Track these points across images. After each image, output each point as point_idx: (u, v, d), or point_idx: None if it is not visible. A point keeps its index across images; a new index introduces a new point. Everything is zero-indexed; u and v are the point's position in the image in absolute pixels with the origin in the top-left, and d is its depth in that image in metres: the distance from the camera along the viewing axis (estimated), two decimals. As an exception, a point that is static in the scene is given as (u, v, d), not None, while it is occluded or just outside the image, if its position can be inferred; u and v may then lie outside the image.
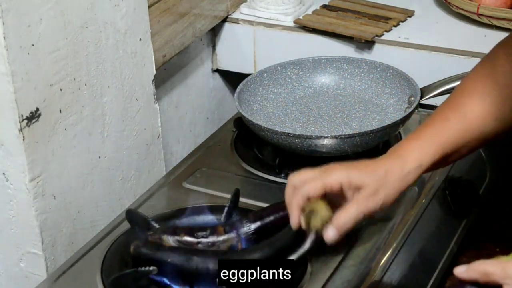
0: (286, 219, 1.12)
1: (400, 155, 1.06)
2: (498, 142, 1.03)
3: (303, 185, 1.04)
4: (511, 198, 1.35)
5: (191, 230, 1.13)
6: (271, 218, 1.14)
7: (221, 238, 1.12)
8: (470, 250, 1.35)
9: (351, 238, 1.14)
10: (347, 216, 1.03)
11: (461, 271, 0.81)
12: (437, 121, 1.09)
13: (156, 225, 1.15)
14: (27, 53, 1.12)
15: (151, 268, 1.06)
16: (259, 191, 1.31)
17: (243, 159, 1.40)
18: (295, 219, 1.05)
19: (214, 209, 1.23)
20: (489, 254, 1.03)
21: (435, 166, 1.07)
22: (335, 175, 1.04)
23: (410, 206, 1.27)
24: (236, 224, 1.13)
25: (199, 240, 1.12)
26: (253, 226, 1.13)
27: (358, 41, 1.58)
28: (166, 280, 1.08)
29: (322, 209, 1.05)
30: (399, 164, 1.05)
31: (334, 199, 1.07)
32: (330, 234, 1.03)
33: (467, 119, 1.08)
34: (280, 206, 1.14)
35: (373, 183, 1.03)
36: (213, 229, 1.13)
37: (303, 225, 1.05)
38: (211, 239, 1.12)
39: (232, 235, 1.13)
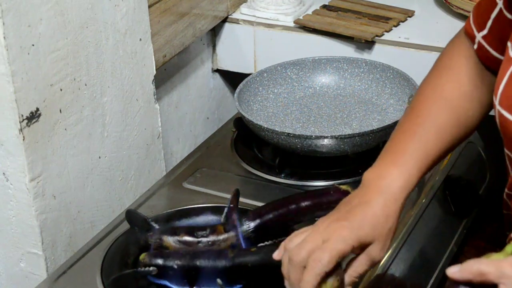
0: (285, 216, 1.12)
1: (388, 188, 1.00)
2: (498, 142, 1.03)
3: (316, 261, 0.93)
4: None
5: (191, 230, 1.13)
6: (270, 216, 1.14)
7: (221, 237, 1.12)
8: (470, 250, 1.35)
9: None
10: (359, 272, 0.97)
11: (454, 271, 0.79)
12: (407, 138, 1.05)
13: (156, 226, 1.14)
14: (27, 53, 1.12)
15: (151, 268, 1.06)
16: (259, 191, 1.31)
17: (243, 159, 1.40)
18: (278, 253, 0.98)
19: (214, 210, 1.24)
20: (489, 254, 1.03)
21: (420, 179, 1.05)
22: (345, 242, 0.94)
23: (410, 206, 1.27)
24: (236, 223, 1.13)
25: (199, 239, 1.12)
26: (252, 224, 1.13)
27: (358, 41, 1.58)
28: (167, 283, 1.08)
29: (331, 282, 0.96)
30: (393, 201, 0.99)
31: None
32: None
33: (435, 127, 1.06)
34: (279, 203, 1.15)
35: (381, 236, 0.97)
36: (213, 228, 1.13)
37: None
38: (211, 238, 1.12)
39: (232, 233, 1.13)
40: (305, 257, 0.94)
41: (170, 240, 1.11)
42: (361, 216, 0.97)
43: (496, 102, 0.96)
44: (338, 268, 0.96)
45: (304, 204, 1.14)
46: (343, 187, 1.14)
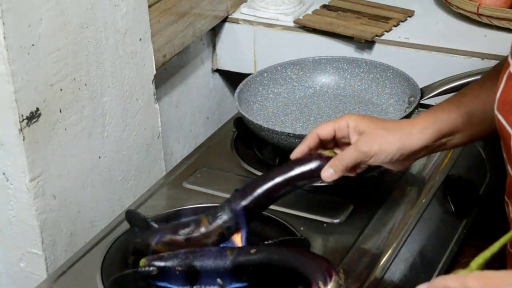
0: (274, 190, 1.12)
1: (409, 122, 1.12)
2: (498, 142, 1.03)
3: (315, 128, 1.13)
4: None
5: (176, 228, 1.12)
6: (255, 195, 1.11)
7: (207, 230, 1.11)
8: (470, 250, 1.35)
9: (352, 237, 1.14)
10: (343, 157, 1.09)
11: None
12: (448, 103, 1.13)
13: (156, 225, 1.14)
14: (27, 53, 1.12)
15: (151, 268, 1.06)
16: (259, 191, 1.31)
17: (243, 159, 1.40)
18: (298, 151, 1.13)
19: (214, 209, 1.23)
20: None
21: (437, 141, 1.10)
22: (346, 118, 1.11)
23: (410, 206, 1.27)
24: (219, 212, 1.11)
25: (187, 237, 1.11)
26: (243, 203, 1.11)
27: (358, 41, 1.58)
28: (168, 285, 1.08)
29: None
30: (405, 124, 1.11)
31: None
32: (327, 172, 1.10)
33: (475, 106, 1.11)
34: (264, 179, 1.13)
35: (373, 130, 1.09)
36: (197, 223, 1.12)
37: None
38: (197, 233, 1.11)
39: (218, 223, 1.11)
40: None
41: (159, 245, 1.11)
42: (374, 118, 1.14)
43: (495, 108, 0.97)
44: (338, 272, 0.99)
45: (289, 175, 1.13)
46: (326, 152, 1.13)
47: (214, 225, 1.11)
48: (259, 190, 1.12)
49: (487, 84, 1.11)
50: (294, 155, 1.13)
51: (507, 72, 0.96)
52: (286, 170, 1.13)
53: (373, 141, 1.09)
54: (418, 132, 1.09)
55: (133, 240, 1.15)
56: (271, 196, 1.12)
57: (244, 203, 1.11)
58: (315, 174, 1.12)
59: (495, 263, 0.85)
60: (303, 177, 1.12)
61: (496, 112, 0.97)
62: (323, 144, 1.14)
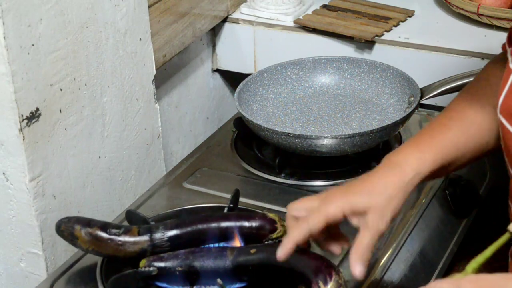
0: (202, 233, 1.11)
1: (398, 164, 1.01)
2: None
3: (304, 220, 0.98)
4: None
5: (106, 226, 1.12)
6: (188, 229, 1.12)
7: (132, 239, 1.10)
8: (470, 250, 1.35)
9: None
10: (363, 246, 0.96)
11: None
12: (437, 130, 1.05)
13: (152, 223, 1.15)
14: (27, 53, 1.12)
15: (151, 268, 1.06)
16: (259, 191, 1.31)
17: (243, 159, 1.40)
18: (285, 251, 0.99)
19: (214, 210, 1.24)
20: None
21: (433, 175, 1.03)
22: (335, 205, 0.98)
23: (410, 206, 1.27)
24: (152, 229, 1.11)
25: (111, 237, 1.10)
26: (168, 234, 1.11)
27: (358, 41, 1.58)
28: (167, 285, 1.08)
29: None
30: (398, 175, 1.00)
31: (334, 231, 1.03)
32: (358, 269, 0.96)
33: (467, 128, 1.05)
34: (201, 218, 1.13)
35: (377, 204, 0.97)
36: (127, 229, 1.11)
37: None
38: (122, 238, 1.10)
39: (145, 238, 1.11)
40: (298, 212, 1.01)
41: (82, 231, 1.10)
42: (360, 183, 1.00)
43: (498, 110, 0.97)
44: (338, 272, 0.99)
45: (225, 224, 1.12)
46: (271, 215, 1.12)
47: (138, 238, 1.11)
48: (193, 228, 1.12)
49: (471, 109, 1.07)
50: (281, 257, 1.00)
51: (511, 77, 0.96)
52: (227, 220, 1.12)
53: (384, 214, 0.97)
54: (412, 181, 1.00)
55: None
56: (201, 238, 1.11)
57: (172, 233, 1.11)
58: (254, 231, 1.10)
59: (496, 263, 0.86)
60: (242, 232, 1.11)
61: (499, 116, 0.97)
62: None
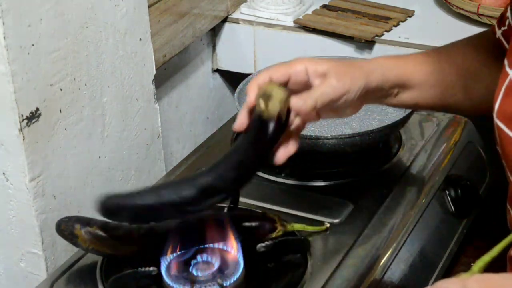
0: (202, 233, 1.10)
1: (370, 61, 1.09)
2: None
3: (266, 70, 1.02)
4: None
5: (106, 225, 1.12)
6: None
7: (132, 239, 1.11)
8: (470, 250, 1.35)
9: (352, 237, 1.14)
10: (314, 93, 0.99)
11: None
12: (409, 57, 1.12)
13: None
14: (27, 53, 1.12)
15: (151, 268, 1.06)
16: (259, 191, 1.31)
17: (243, 159, 1.40)
18: (251, 97, 0.99)
19: (214, 210, 1.23)
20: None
21: (392, 89, 1.08)
22: (300, 62, 1.02)
23: (410, 206, 1.27)
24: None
25: (111, 236, 1.11)
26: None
27: (358, 41, 1.58)
28: (167, 280, 1.08)
29: (279, 91, 0.97)
30: (363, 62, 1.06)
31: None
32: (296, 121, 0.99)
33: (435, 69, 1.11)
34: (200, 218, 1.12)
35: (339, 69, 1.02)
36: (127, 228, 1.11)
37: (261, 107, 0.97)
38: (122, 237, 1.11)
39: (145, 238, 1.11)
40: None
41: (82, 230, 1.10)
42: (328, 59, 1.06)
43: (494, 114, 0.98)
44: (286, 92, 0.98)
45: (224, 224, 1.11)
46: (271, 215, 1.14)
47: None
48: (192, 227, 1.10)
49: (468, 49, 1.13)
50: (250, 104, 0.99)
51: (507, 81, 0.96)
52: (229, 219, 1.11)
53: (344, 76, 1.01)
54: (378, 72, 1.06)
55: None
56: (200, 237, 1.09)
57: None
58: (253, 231, 1.10)
59: (495, 267, 0.86)
60: (240, 231, 1.11)
61: (496, 119, 0.97)
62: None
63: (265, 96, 0.97)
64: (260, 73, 1.03)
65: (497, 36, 1.12)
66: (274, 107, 0.96)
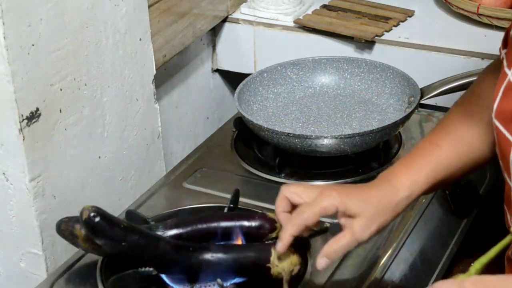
0: (203, 233, 1.12)
1: (392, 184, 1.05)
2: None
3: (299, 214, 1.01)
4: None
5: None
6: (188, 229, 1.12)
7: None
8: (470, 250, 1.35)
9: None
10: (339, 245, 1.00)
11: None
12: (428, 149, 1.09)
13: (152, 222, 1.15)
14: (27, 53, 1.12)
15: (151, 269, 1.06)
16: (259, 191, 1.31)
17: (243, 159, 1.40)
18: (284, 244, 1.02)
19: (214, 210, 1.24)
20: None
21: (425, 193, 1.08)
22: (331, 201, 1.01)
23: (410, 206, 1.27)
24: (152, 229, 1.12)
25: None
26: (168, 233, 1.12)
27: (358, 41, 1.58)
28: (166, 279, 1.08)
29: (291, 256, 1.07)
30: (391, 194, 1.04)
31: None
32: (322, 263, 1.00)
33: (458, 145, 1.08)
34: (201, 218, 1.14)
35: (368, 213, 1.01)
36: None
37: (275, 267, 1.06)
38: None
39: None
40: (291, 194, 1.04)
41: (82, 231, 1.10)
42: (356, 189, 1.04)
43: (493, 115, 0.98)
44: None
45: (224, 224, 1.13)
46: (271, 215, 1.13)
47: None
48: (193, 227, 1.12)
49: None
50: (282, 249, 1.03)
51: (505, 82, 0.96)
52: (228, 219, 1.14)
53: (371, 225, 1.01)
54: (404, 201, 1.05)
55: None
56: (200, 238, 1.12)
57: (172, 233, 1.12)
58: (254, 231, 1.12)
59: (493, 268, 0.87)
60: (242, 231, 1.13)
61: (494, 120, 0.98)
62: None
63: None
64: (287, 192, 1.04)
65: (501, 57, 1.09)
66: (285, 268, 1.07)
